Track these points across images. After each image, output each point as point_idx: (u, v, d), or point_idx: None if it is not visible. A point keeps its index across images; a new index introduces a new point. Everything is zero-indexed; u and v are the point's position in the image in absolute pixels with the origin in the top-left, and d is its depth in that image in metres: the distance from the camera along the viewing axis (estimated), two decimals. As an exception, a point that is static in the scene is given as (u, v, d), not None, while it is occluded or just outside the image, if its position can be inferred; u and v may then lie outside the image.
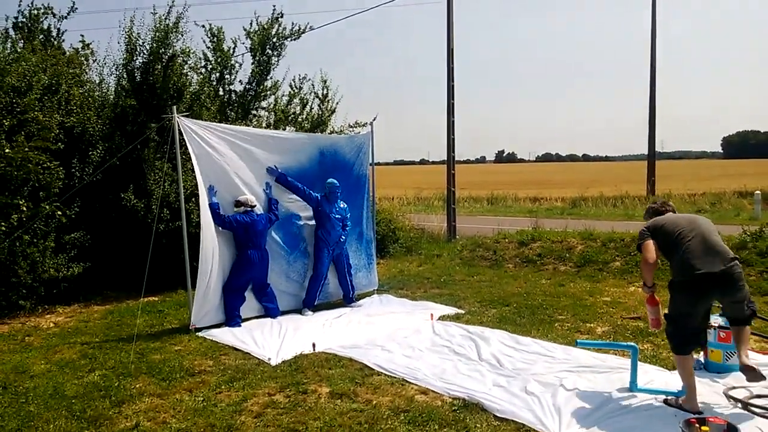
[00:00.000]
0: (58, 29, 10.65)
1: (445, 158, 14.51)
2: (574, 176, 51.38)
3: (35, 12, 10.38)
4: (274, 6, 11.13)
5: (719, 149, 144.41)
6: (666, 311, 4.22)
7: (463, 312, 7.23)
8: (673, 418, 3.98)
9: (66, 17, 10.72)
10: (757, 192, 18.38)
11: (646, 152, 25.16)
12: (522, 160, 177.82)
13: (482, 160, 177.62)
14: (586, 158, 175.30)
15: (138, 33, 9.09)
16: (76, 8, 10.82)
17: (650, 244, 4.04)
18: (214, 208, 6.72)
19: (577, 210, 21.84)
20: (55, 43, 10.43)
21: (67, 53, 9.95)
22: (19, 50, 8.94)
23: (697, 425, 3.65)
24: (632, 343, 4.80)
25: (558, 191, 29.78)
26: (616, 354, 5.35)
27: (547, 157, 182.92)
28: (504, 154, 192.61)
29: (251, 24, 11.07)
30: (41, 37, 10.27)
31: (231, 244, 6.95)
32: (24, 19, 10.35)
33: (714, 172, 46.94)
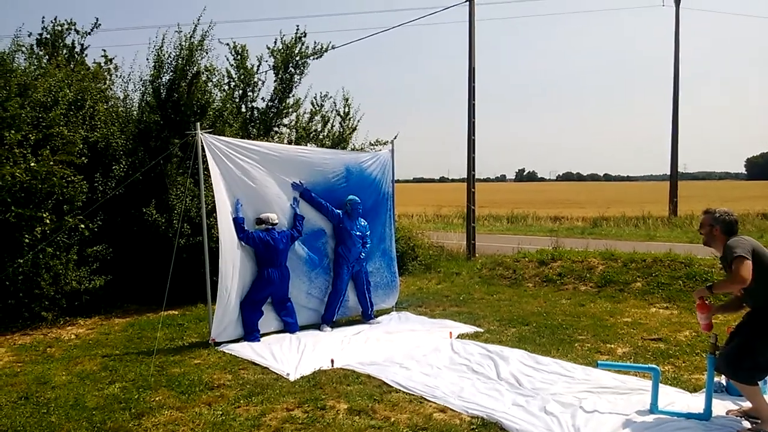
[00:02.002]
0: (82, 45, 10.89)
1: (465, 176, 14.50)
2: (596, 196, 50.97)
3: (59, 28, 10.63)
4: (297, 25, 11.34)
5: (743, 170, 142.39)
6: (740, 341, 4.10)
7: (482, 330, 7.17)
8: (693, 441, 3.92)
9: (89, 33, 10.97)
10: (782, 213, 18.07)
11: (668, 173, 24.88)
12: (542, 179, 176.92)
13: (502, 178, 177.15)
14: (607, 178, 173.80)
15: (168, 52, 9.28)
16: (100, 24, 11.08)
17: (750, 266, 3.88)
18: (239, 222, 6.78)
19: (598, 230, 21.62)
20: (78, 58, 10.66)
21: (92, 68, 10.15)
22: (44, 66, 9.15)
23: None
24: (654, 366, 4.74)
25: (579, 211, 29.55)
26: (636, 375, 5.29)
27: (567, 177, 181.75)
28: (524, 173, 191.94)
29: (275, 42, 11.27)
30: (65, 52, 10.50)
31: (252, 260, 6.99)
32: (48, 35, 10.61)
33: (737, 194, 46.23)
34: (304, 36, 11.33)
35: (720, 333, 4.40)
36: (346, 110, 12.38)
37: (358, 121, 12.50)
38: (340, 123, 12.37)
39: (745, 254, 3.90)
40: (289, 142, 11.46)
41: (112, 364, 5.98)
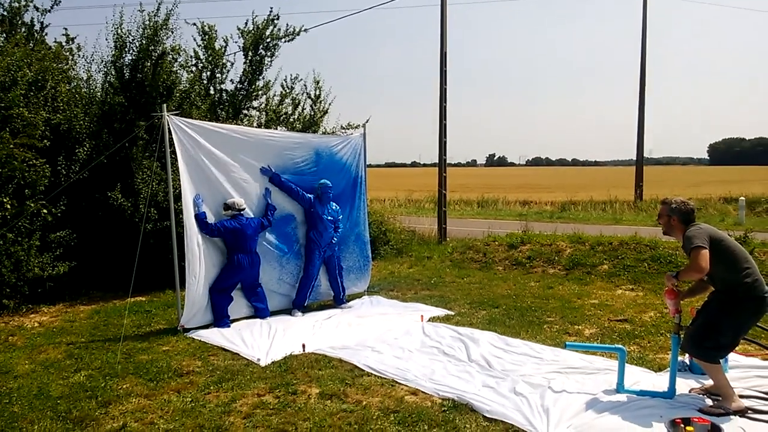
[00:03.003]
0: (42, 23, 10.47)
1: (437, 161, 14.52)
2: (564, 180, 51.69)
3: (16, 4, 10.18)
4: (271, 7, 11.10)
5: (705, 156, 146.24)
6: (703, 321, 4.24)
7: (452, 313, 7.23)
8: (658, 418, 4.03)
9: (49, 10, 10.52)
10: (742, 198, 18.69)
11: (634, 158, 25.35)
12: (512, 164, 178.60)
13: (473, 163, 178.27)
14: (575, 163, 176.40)
15: (128, 29, 9.00)
16: (60, 1, 10.63)
17: (707, 255, 4.03)
18: (201, 217, 6.62)
19: (566, 214, 21.95)
20: (38, 37, 10.26)
21: (53, 48, 9.79)
22: (0, 44, 8.78)
23: (683, 425, 3.68)
24: (620, 346, 4.86)
25: (547, 195, 29.97)
26: (603, 356, 5.41)
27: (537, 161, 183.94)
28: (495, 158, 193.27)
29: (246, 23, 11.03)
30: (23, 30, 10.09)
31: (220, 246, 6.89)
32: (5, 12, 10.16)
33: (700, 179, 47.45)
34: (277, 18, 11.13)
35: (684, 313, 4.53)
36: (317, 93, 12.21)
37: (330, 104, 12.36)
38: (311, 106, 12.21)
39: (702, 243, 4.05)
40: (259, 125, 11.28)
41: (78, 352, 5.84)
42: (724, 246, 4.15)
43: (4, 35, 9.54)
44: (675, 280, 4.30)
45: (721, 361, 4.25)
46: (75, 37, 10.30)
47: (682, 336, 4.42)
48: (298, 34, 11.56)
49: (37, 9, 10.31)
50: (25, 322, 7.18)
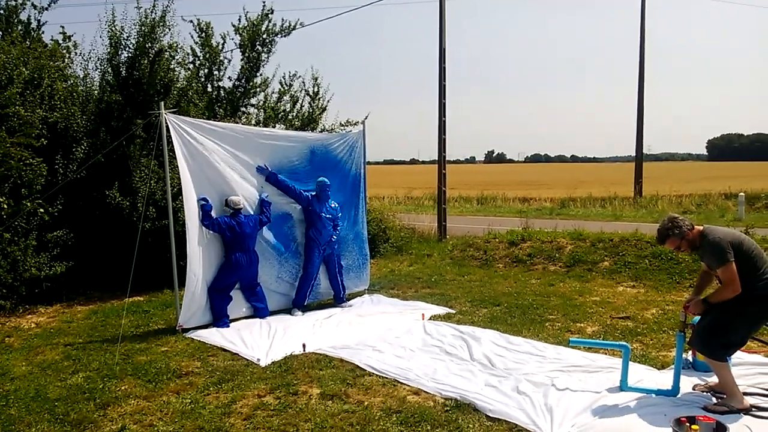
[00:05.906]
0: (38, 21, 10.42)
1: (436, 158, 14.46)
2: (563, 177, 51.63)
3: (13, 3, 10.14)
4: (264, 2, 11.04)
5: (704, 152, 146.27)
6: (714, 318, 4.16)
7: (454, 312, 7.18)
8: (662, 416, 3.98)
9: (47, 8, 10.48)
10: (741, 194, 18.64)
11: (633, 154, 25.31)
12: (511, 161, 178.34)
13: (472, 160, 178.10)
14: (574, 159, 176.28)
15: (122, 26, 8.95)
16: None
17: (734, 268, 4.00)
18: (206, 209, 6.59)
19: (565, 210, 21.91)
20: (34, 35, 10.20)
21: (49, 46, 9.73)
22: (-3, 42, 8.73)
23: (688, 424, 3.64)
24: (624, 343, 4.80)
25: (547, 192, 29.92)
26: (605, 353, 5.38)
27: (535, 158, 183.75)
28: (494, 155, 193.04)
29: (240, 20, 10.98)
30: (20, 28, 10.03)
31: (219, 244, 6.83)
32: (1, 11, 10.11)
33: (699, 174, 47.42)
34: (271, 13, 11.08)
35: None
36: (316, 90, 12.18)
37: (328, 101, 12.33)
38: (309, 103, 12.17)
39: (731, 257, 4.00)
40: (257, 123, 11.23)
41: (75, 353, 5.79)
42: (745, 248, 4.08)
43: (0, 33, 9.49)
44: (704, 305, 4.20)
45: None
46: (72, 35, 10.26)
47: (687, 333, 4.37)
48: (294, 29, 11.53)
49: (34, 7, 10.28)
50: (22, 323, 7.13)
